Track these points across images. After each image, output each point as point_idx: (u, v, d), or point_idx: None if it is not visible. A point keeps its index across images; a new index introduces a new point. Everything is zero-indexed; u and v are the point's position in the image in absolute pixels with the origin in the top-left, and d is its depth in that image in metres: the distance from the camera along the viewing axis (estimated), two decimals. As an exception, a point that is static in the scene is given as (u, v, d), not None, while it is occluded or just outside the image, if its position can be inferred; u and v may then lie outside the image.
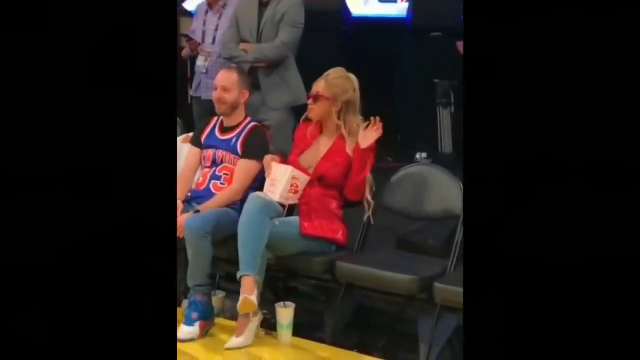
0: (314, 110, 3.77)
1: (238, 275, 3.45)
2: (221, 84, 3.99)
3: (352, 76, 3.78)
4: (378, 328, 3.76)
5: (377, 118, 3.60)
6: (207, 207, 3.79)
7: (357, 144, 3.64)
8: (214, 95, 4.01)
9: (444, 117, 6.88)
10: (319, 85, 3.76)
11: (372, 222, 3.74)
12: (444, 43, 6.60)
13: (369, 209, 3.71)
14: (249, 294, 3.41)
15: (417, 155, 6.77)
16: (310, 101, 3.77)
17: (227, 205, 3.87)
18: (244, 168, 3.94)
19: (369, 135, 3.61)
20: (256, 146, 3.95)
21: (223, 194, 3.94)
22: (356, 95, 3.75)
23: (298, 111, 4.71)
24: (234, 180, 3.93)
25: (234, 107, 3.99)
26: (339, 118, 3.73)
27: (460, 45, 6.49)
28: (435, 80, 6.84)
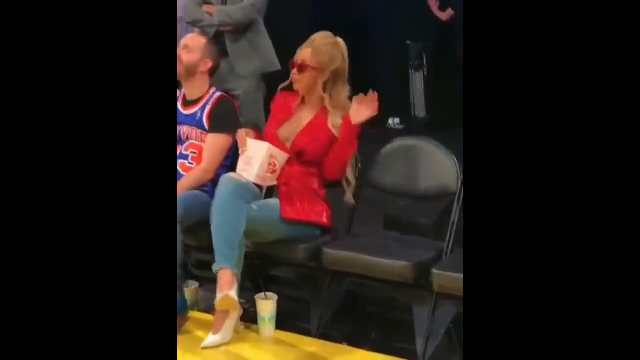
0: (299, 82, 3.40)
1: (214, 268, 3.11)
2: (184, 42, 3.63)
3: (341, 41, 3.41)
4: (369, 318, 3.47)
5: (375, 93, 3.26)
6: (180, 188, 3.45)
7: (347, 117, 3.29)
8: (178, 54, 3.61)
9: (417, 81, 6.60)
10: (304, 53, 3.38)
11: (354, 203, 3.41)
12: (417, 4, 6.30)
13: (348, 188, 3.38)
14: (228, 289, 3.06)
15: (390, 121, 6.50)
16: (294, 71, 3.39)
17: (198, 187, 3.53)
18: (213, 143, 3.58)
19: (362, 110, 3.27)
20: (224, 118, 3.60)
21: (191, 174, 3.59)
22: (345, 64, 3.39)
23: (268, 79, 4.37)
24: (203, 157, 3.58)
25: (188, 71, 3.62)
26: (324, 90, 3.38)
27: (432, 2, 6.16)
28: (408, 42, 6.54)
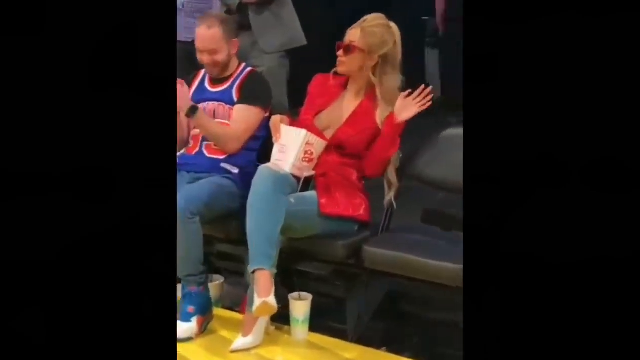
0: (345, 64, 3.13)
1: (250, 269, 2.85)
2: (207, 48, 3.33)
3: (394, 25, 3.15)
4: (410, 321, 3.22)
5: (428, 88, 2.99)
6: (197, 123, 3.28)
7: (392, 114, 3.02)
8: (203, 60, 3.39)
9: (432, 58, 6.34)
10: (353, 34, 3.12)
11: (394, 206, 3.15)
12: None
13: (390, 190, 3.12)
14: (267, 295, 2.81)
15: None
16: (340, 53, 3.12)
17: (222, 155, 3.29)
18: (241, 113, 3.31)
19: (410, 106, 3.00)
20: (255, 90, 3.34)
21: (218, 126, 3.31)
22: (397, 50, 3.12)
23: (293, 55, 4.09)
24: (232, 126, 3.29)
25: (226, 64, 3.36)
26: (374, 75, 3.10)
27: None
28: (424, 17, 6.27)
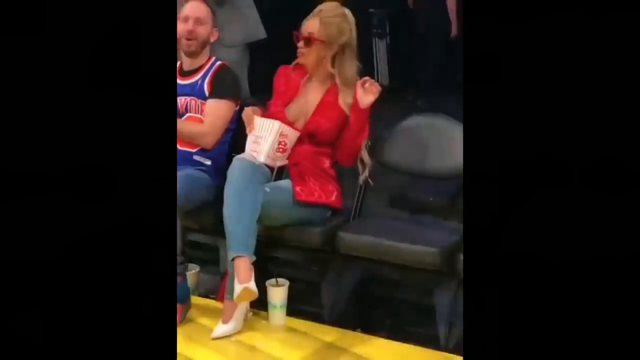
0: (306, 56, 3.19)
1: (230, 256, 2.91)
2: (195, 15, 3.34)
3: (349, 13, 3.22)
4: (384, 303, 3.31)
5: (371, 80, 3.08)
6: None
7: (356, 102, 3.11)
8: (185, 27, 3.32)
9: (381, 49, 6.47)
10: (311, 25, 3.17)
11: (371, 183, 3.25)
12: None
13: (365, 169, 3.21)
14: (247, 281, 2.86)
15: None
16: (300, 44, 3.18)
17: (194, 148, 3.32)
18: (214, 108, 3.32)
19: (368, 92, 3.08)
20: (227, 85, 3.36)
21: (189, 126, 3.31)
22: (353, 37, 3.19)
23: (253, 48, 4.15)
24: (204, 121, 3.33)
25: (203, 45, 3.37)
26: (333, 65, 3.18)
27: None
28: (371, 10, 6.40)
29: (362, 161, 3.19)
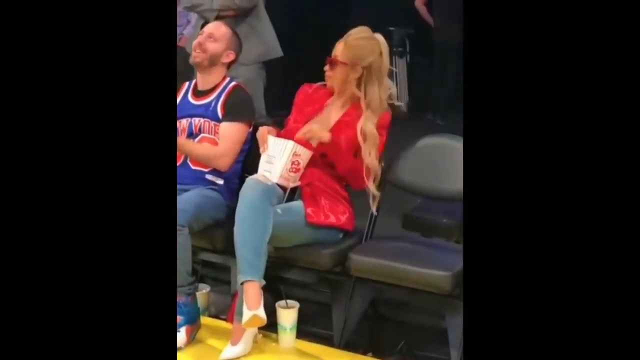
0: (332, 78, 3.19)
1: (239, 280, 2.88)
2: (209, 31, 3.37)
3: (380, 37, 3.21)
4: (395, 326, 3.27)
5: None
6: (183, 151, 3.27)
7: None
8: (196, 40, 3.39)
9: (400, 67, 6.44)
10: (337, 48, 3.18)
11: (375, 213, 3.21)
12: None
13: (373, 202, 3.17)
14: (256, 307, 2.83)
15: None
16: (327, 67, 3.18)
17: (207, 168, 3.30)
18: (229, 131, 3.32)
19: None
20: (241, 107, 3.36)
21: (204, 149, 3.32)
22: (382, 61, 3.17)
23: (270, 66, 4.14)
24: (219, 144, 3.32)
25: (212, 62, 3.38)
26: (359, 87, 3.16)
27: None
28: (391, 28, 6.38)
29: (370, 192, 3.14)
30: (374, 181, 3.13)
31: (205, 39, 3.37)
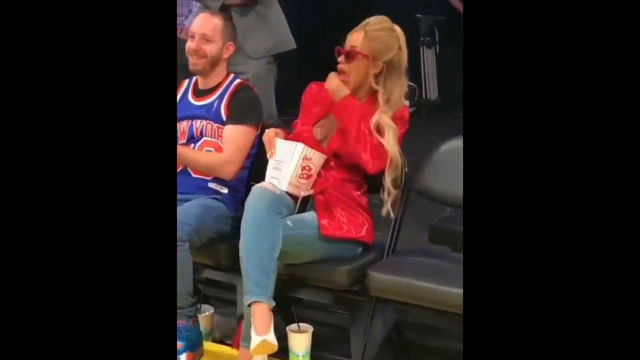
0: (347, 72, 2.85)
1: (246, 301, 2.59)
2: (201, 32, 3.06)
3: (398, 28, 2.88)
4: (420, 351, 2.98)
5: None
6: (182, 161, 3.01)
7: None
8: (191, 47, 3.08)
9: (428, 59, 6.11)
10: (354, 38, 2.85)
11: (392, 215, 2.88)
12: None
13: (388, 198, 2.84)
14: (266, 332, 2.54)
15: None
16: (341, 59, 2.85)
17: (209, 176, 3.04)
18: (234, 135, 3.02)
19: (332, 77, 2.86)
20: (246, 108, 3.06)
21: (208, 157, 3.04)
22: (402, 54, 2.85)
23: (281, 60, 3.82)
24: (224, 149, 3.03)
25: (214, 64, 3.08)
26: (377, 82, 2.84)
27: None
28: (418, 15, 6.03)
29: (385, 188, 2.82)
30: (392, 172, 2.81)
31: (200, 42, 3.07)
